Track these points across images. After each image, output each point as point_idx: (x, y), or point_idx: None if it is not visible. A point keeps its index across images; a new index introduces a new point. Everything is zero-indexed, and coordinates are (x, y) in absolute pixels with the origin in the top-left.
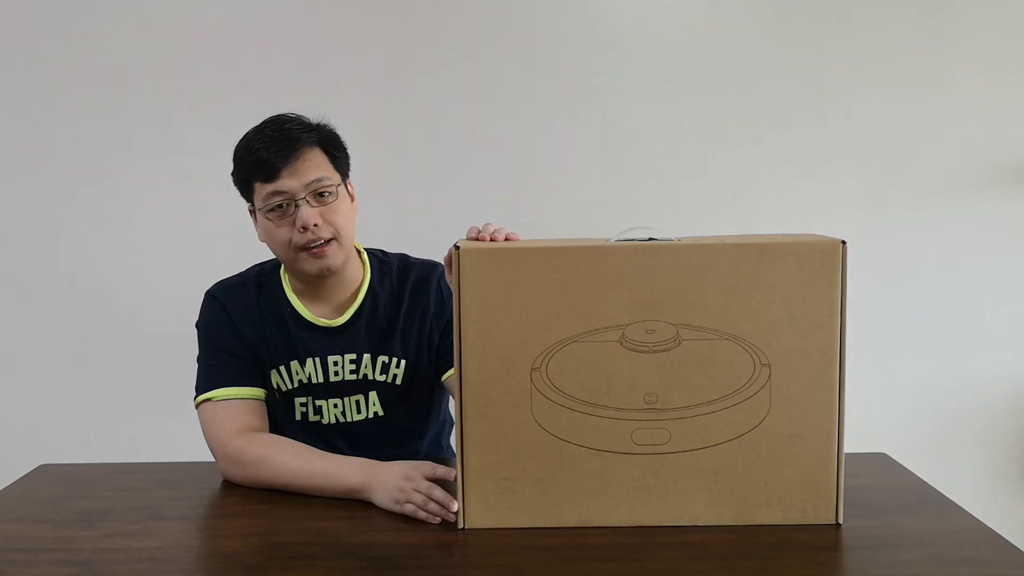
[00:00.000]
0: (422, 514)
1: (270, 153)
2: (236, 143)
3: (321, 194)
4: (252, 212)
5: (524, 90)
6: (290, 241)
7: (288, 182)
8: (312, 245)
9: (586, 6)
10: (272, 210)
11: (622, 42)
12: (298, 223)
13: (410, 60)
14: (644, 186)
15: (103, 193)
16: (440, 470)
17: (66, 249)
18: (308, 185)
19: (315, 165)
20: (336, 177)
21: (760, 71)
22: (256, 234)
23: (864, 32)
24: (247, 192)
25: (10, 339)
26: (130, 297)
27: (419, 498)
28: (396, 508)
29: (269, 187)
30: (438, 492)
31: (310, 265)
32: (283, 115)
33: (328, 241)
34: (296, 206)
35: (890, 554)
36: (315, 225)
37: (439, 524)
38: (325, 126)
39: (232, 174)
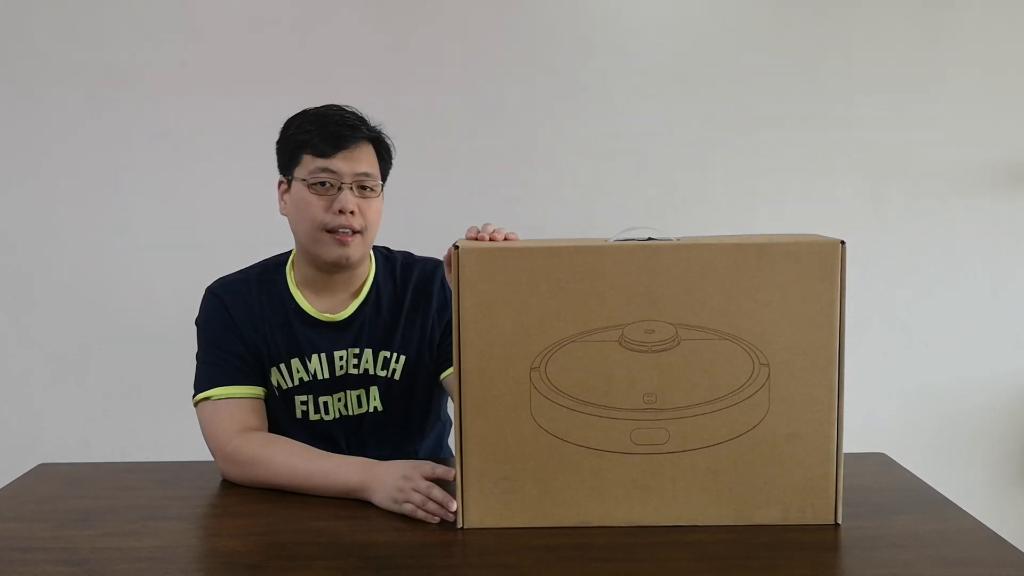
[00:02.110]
0: (421, 513)
1: (329, 133)
2: (289, 116)
3: (365, 187)
4: (282, 184)
5: (524, 90)
6: (321, 222)
7: (340, 164)
8: (341, 230)
9: (586, 6)
10: (316, 184)
11: (622, 42)
12: (336, 205)
13: (410, 60)
14: (644, 186)
15: (103, 193)
16: (439, 469)
17: (66, 248)
18: (357, 175)
19: (367, 159)
20: (379, 177)
21: (760, 71)
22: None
23: (864, 32)
24: (290, 163)
25: (10, 339)
26: (130, 297)
27: (418, 497)
28: (395, 507)
29: (320, 163)
30: (437, 491)
31: (330, 251)
32: (342, 105)
33: (355, 233)
34: (339, 189)
35: (890, 554)
36: (351, 212)
37: (438, 524)
38: (381, 129)
39: (278, 142)
